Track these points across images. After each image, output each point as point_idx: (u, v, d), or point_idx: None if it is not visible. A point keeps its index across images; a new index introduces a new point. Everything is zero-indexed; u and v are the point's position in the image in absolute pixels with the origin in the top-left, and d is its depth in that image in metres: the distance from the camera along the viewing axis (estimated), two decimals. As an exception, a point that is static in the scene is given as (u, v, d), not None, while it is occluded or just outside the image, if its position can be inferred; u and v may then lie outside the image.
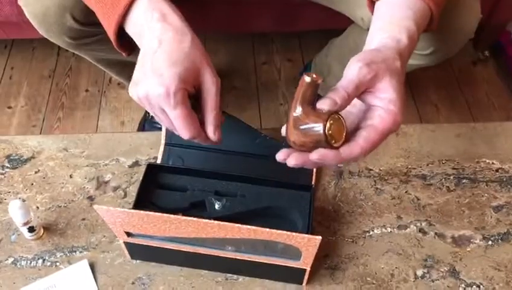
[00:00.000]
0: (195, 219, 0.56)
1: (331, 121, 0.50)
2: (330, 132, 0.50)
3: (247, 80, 1.54)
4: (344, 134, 0.52)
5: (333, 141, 0.51)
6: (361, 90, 0.53)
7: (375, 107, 0.54)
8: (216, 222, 0.55)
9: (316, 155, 0.51)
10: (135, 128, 1.38)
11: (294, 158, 0.53)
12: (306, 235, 0.55)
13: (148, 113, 1.36)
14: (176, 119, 0.57)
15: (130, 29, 0.59)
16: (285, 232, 0.55)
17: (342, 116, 0.52)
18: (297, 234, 0.55)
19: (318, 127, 0.50)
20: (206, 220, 0.55)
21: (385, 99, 0.53)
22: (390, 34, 0.57)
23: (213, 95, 0.59)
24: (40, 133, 1.38)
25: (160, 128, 1.35)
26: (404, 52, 0.56)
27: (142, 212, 0.56)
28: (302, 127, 0.51)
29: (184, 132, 0.58)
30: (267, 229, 0.55)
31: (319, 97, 0.53)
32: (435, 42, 0.83)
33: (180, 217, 0.56)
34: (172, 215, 0.56)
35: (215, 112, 0.59)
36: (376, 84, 0.53)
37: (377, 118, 0.53)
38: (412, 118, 1.42)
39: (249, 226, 0.55)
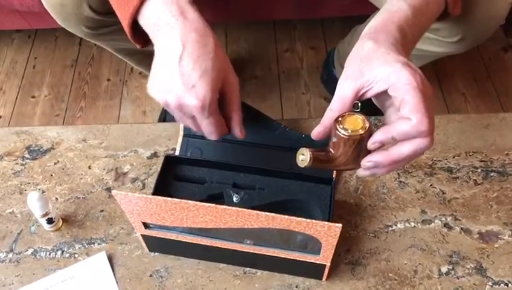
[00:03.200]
0: (213, 205, 0.55)
1: (341, 119, 0.53)
2: (344, 126, 0.52)
3: (269, 68, 1.52)
4: (363, 124, 0.52)
5: (351, 131, 0.52)
6: (350, 98, 0.53)
7: (393, 99, 0.51)
8: (234, 208, 0.54)
9: (365, 160, 0.53)
10: (157, 118, 1.38)
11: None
12: (326, 223, 0.53)
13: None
14: (208, 126, 0.59)
15: (144, 20, 0.58)
16: (304, 219, 0.53)
17: (357, 113, 0.53)
18: (316, 221, 0.53)
19: (334, 134, 0.53)
20: (224, 207, 0.54)
21: (381, 79, 0.51)
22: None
23: (237, 95, 0.60)
24: (63, 123, 1.39)
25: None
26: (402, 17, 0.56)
27: (160, 198, 0.55)
28: (331, 142, 0.55)
29: (214, 136, 0.61)
30: (286, 217, 0.53)
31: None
32: (463, 29, 0.79)
33: (197, 203, 0.55)
34: (190, 201, 0.55)
35: (239, 112, 0.62)
36: (365, 81, 0.52)
37: (395, 99, 0.51)
38: (439, 107, 1.38)
39: (267, 213, 0.54)
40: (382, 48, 0.53)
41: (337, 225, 0.53)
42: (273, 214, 0.53)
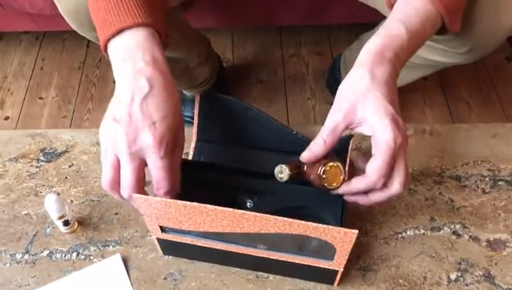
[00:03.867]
0: (231, 209, 0.56)
1: (325, 168, 0.60)
2: (324, 176, 0.60)
3: (274, 72, 1.53)
4: (342, 177, 0.60)
5: (326, 184, 0.61)
6: (341, 131, 0.58)
7: (370, 137, 0.57)
8: (252, 213, 0.56)
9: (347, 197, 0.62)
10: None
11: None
12: (342, 229, 0.55)
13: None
14: (160, 169, 0.56)
15: (113, 51, 0.57)
16: (321, 225, 0.55)
17: (339, 163, 0.60)
18: (333, 227, 0.55)
19: (313, 176, 0.61)
20: (243, 211, 0.56)
21: (370, 125, 0.56)
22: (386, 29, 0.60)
23: (180, 156, 0.61)
24: (71, 125, 1.40)
25: (187, 122, 1.36)
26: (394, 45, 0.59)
27: (179, 202, 0.56)
28: (310, 178, 0.62)
29: (164, 184, 0.57)
30: (303, 222, 0.55)
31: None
32: (471, 40, 0.81)
33: (216, 207, 0.56)
34: (209, 206, 0.56)
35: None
36: (356, 118, 0.57)
37: (373, 146, 0.56)
38: (443, 115, 1.39)
39: (285, 219, 0.55)
40: (377, 87, 0.56)
41: (353, 231, 0.54)
42: (290, 220, 0.55)
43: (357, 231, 0.54)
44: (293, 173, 0.62)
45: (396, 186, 0.57)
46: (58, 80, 1.51)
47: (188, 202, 0.56)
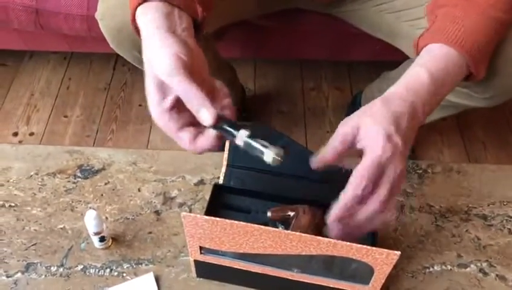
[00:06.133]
0: (277, 229, 0.58)
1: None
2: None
3: (294, 104, 1.56)
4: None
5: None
6: (349, 141, 0.58)
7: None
8: (298, 233, 0.58)
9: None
10: (185, 145, 1.41)
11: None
12: (385, 250, 0.56)
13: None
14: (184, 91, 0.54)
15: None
16: (364, 246, 0.56)
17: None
18: (376, 248, 0.57)
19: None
20: (288, 231, 0.58)
21: (364, 137, 0.57)
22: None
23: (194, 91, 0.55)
24: (94, 144, 1.43)
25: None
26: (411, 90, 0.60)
27: (227, 221, 0.58)
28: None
29: (206, 113, 0.55)
30: (347, 243, 0.57)
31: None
32: (496, 87, 0.84)
33: (262, 227, 0.58)
34: (255, 225, 0.58)
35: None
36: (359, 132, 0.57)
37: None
38: (459, 155, 1.42)
39: (329, 239, 0.57)
40: (385, 110, 0.57)
41: (395, 252, 0.56)
42: (334, 241, 0.57)
43: (399, 253, 0.56)
44: (276, 217, 0.70)
45: (375, 201, 0.56)
46: (84, 100, 1.55)
47: (235, 221, 0.58)
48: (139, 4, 0.59)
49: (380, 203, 0.56)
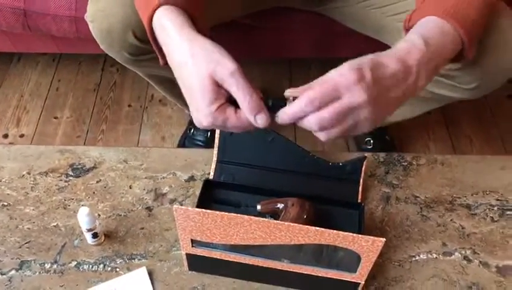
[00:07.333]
0: (266, 219, 0.60)
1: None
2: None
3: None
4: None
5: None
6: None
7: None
8: (286, 223, 0.60)
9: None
10: (175, 144, 1.43)
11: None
12: (371, 237, 0.59)
13: (189, 129, 1.41)
14: (243, 92, 0.57)
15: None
16: (350, 234, 0.59)
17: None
18: (362, 236, 0.59)
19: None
20: (277, 221, 0.60)
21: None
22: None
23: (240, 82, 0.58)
24: (84, 144, 1.44)
25: (199, 145, 1.39)
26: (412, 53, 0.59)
27: (218, 212, 0.60)
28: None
29: (251, 107, 0.57)
30: (334, 231, 0.59)
31: None
32: (479, 77, 0.86)
33: (252, 217, 0.60)
34: (245, 216, 0.60)
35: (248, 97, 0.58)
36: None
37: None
38: (446, 149, 1.44)
39: (317, 228, 0.59)
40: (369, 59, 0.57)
41: (381, 239, 0.58)
42: (321, 229, 0.59)
43: (384, 239, 0.58)
44: (265, 210, 0.75)
45: (315, 118, 0.56)
46: (73, 101, 1.55)
47: (226, 213, 0.60)
48: (160, 5, 0.60)
49: (318, 121, 0.56)
